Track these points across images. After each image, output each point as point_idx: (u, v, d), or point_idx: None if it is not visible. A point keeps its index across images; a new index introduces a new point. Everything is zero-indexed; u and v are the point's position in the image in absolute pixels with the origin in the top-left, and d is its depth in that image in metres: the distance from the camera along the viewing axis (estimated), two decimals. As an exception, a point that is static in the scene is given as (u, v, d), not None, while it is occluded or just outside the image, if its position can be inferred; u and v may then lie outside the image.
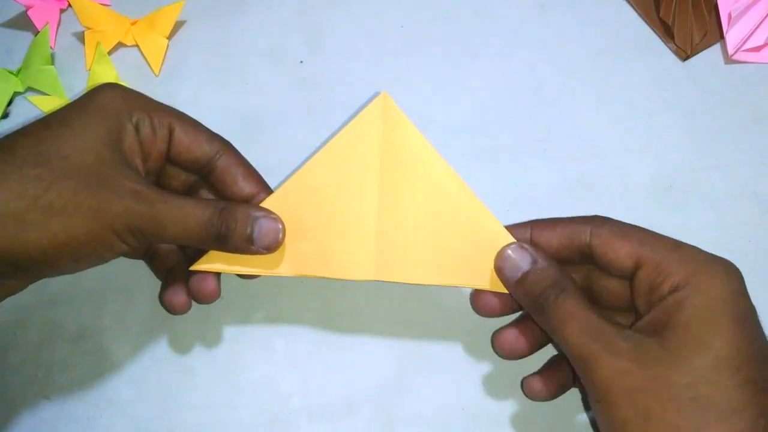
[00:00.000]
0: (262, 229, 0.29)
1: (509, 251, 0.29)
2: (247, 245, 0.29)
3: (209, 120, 0.40)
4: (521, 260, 0.28)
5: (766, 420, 0.23)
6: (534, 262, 0.28)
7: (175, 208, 0.28)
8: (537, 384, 0.30)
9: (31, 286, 0.37)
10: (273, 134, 0.39)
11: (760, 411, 0.23)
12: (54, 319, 0.36)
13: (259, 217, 0.29)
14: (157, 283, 0.35)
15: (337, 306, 0.35)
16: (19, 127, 0.40)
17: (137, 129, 0.30)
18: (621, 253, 0.27)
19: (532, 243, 0.29)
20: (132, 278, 0.36)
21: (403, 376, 0.33)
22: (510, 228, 0.30)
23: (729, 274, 0.26)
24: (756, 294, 0.34)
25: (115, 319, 0.36)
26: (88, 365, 0.35)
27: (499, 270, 0.29)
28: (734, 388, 0.23)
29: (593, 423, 0.32)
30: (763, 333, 0.26)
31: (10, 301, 0.36)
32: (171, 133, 0.31)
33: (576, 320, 0.26)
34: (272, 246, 0.29)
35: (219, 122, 0.40)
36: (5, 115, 0.41)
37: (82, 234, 0.27)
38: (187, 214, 0.28)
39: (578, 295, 0.27)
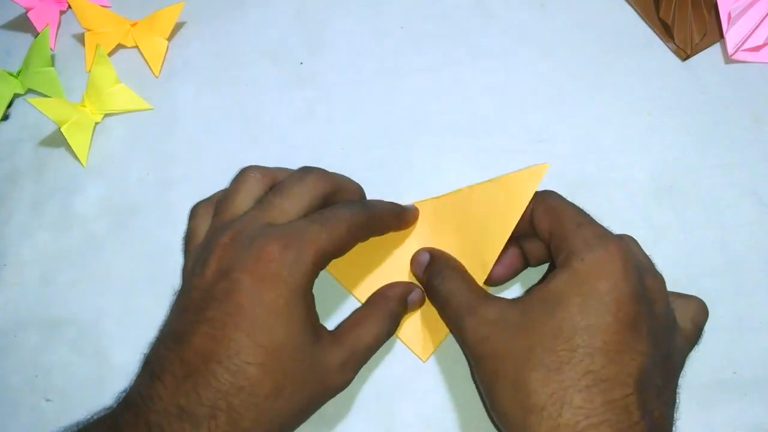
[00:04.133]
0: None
1: (415, 255, 0.34)
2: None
3: (209, 121, 0.40)
4: (422, 258, 0.34)
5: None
6: (427, 260, 0.33)
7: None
8: (498, 270, 0.33)
9: (31, 287, 0.37)
10: (273, 134, 0.39)
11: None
12: (54, 320, 0.36)
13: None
14: (157, 284, 0.35)
15: (337, 306, 0.35)
16: (18, 129, 0.41)
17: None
18: (542, 227, 0.30)
19: None
20: (133, 280, 0.36)
21: (404, 376, 0.33)
22: None
23: (610, 251, 0.27)
24: (755, 294, 0.34)
25: (116, 320, 0.36)
26: (88, 366, 0.35)
27: (413, 269, 0.34)
28: (566, 352, 0.26)
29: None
30: (638, 311, 0.26)
31: (10, 301, 0.37)
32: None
33: (453, 297, 0.31)
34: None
35: (219, 123, 0.40)
36: (5, 117, 0.41)
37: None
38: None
39: (454, 278, 0.31)
